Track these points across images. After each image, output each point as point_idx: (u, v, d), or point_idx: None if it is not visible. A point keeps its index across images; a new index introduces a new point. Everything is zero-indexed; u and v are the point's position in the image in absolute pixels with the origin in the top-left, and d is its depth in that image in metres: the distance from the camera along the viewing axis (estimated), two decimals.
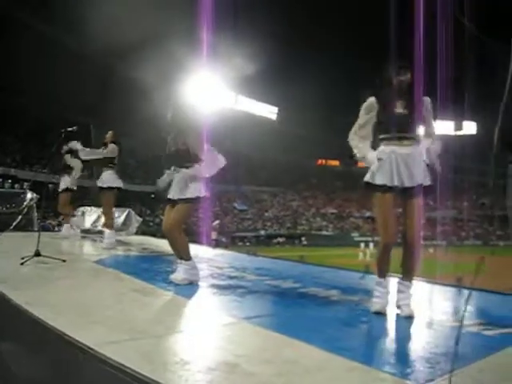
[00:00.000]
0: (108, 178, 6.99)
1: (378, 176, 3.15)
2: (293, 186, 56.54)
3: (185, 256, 4.21)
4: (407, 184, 3.10)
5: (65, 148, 8.18)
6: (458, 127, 51.16)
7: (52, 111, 36.47)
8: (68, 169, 8.31)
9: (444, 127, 48.76)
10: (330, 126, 51.99)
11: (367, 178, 3.21)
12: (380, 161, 3.15)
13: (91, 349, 2.20)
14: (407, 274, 3.21)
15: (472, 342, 2.58)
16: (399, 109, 3.20)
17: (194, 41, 31.66)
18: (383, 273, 3.25)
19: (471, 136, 50.25)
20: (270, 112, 59.42)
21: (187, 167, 4.24)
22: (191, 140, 4.24)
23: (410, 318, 3.05)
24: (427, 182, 3.16)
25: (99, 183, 7.04)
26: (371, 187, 3.18)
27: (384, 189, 3.13)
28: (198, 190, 4.22)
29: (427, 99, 3.28)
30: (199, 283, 4.19)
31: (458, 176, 38.52)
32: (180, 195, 4.20)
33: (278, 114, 59.87)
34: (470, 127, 53.14)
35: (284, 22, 44.11)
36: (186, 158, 4.25)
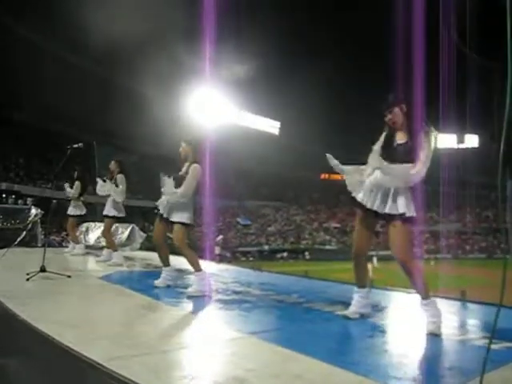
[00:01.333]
0: (113, 206, 7.19)
1: (360, 194, 3.38)
2: (296, 201, 56.54)
3: (196, 267, 4.53)
4: (386, 210, 3.26)
5: (77, 172, 8.38)
6: (461, 140, 51.28)
7: (53, 126, 36.74)
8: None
9: (446, 140, 48.92)
10: (333, 141, 52.18)
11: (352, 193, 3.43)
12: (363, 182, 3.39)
13: (99, 364, 2.22)
14: (418, 293, 3.24)
15: (478, 355, 2.58)
16: (398, 140, 3.38)
17: (196, 56, 32.03)
18: (360, 282, 3.52)
19: (473, 149, 50.30)
20: (272, 127, 59.63)
21: None
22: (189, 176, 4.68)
23: (433, 336, 3.02)
24: (409, 212, 3.23)
25: (105, 211, 7.24)
26: (354, 202, 3.41)
27: (362, 208, 3.36)
28: (189, 217, 4.65)
29: (426, 127, 3.35)
30: (205, 298, 4.27)
31: (461, 189, 38.49)
32: (175, 218, 4.62)
33: (280, 128, 60.08)
34: (472, 140, 53.23)
35: (286, 36, 44.54)
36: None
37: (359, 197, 3.38)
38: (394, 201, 3.26)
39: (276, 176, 56.01)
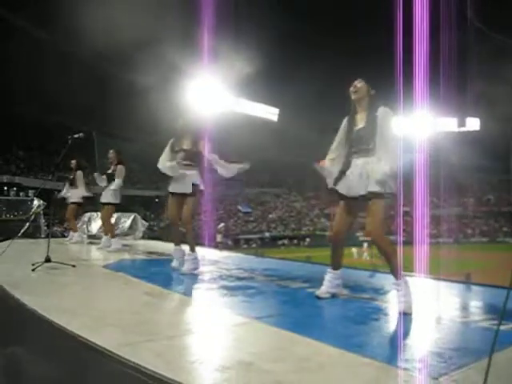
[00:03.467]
0: (111, 194, 7.39)
1: (340, 185, 3.53)
2: (296, 187, 56.46)
3: (192, 248, 5.01)
4: (363, 192, 3.36)
5: (73, 163, 8.56)
6: (461, 124, 51.00)
7: (53, 118, 36.57)
8: (75, 183, 8.63)
9: (447, 124, 48.71)
10: (331, 126, 51.85)
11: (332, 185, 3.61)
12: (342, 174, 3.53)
13: (108, 351, 2.23)
14: (391, 272, 3.31)
15: (484, 336, 2.60)
16: (358, 124, 3.53)
17: (193, 44, 31.75)
18: (335, 264, 3.61)
19: (475, 132, 49.99)
20: (270, 113, 59.27)
21: (190, 166, 5.11)
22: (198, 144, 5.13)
23: (406, 315, 3.07)
24: (384, 188, 3.31)
25: (103, 199, 7.49)
26: (336, 193, 3.57)
27: (342, 197, 3.52)
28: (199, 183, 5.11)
29: (383, 110, 3.45)
30: (209, 285, 4.36)
31: (462, 173, 38.43)
32: (187, 189, 5.02)
33: (279, 115, 59.74)
34: (473, 123, 52.83)
35: (285, 23, 44.19)
36: (192, 158, 5.11)
37: (340, 188, 3.51)
38: (368, 180, 3.35)
39: (275, 163, 55.81)
